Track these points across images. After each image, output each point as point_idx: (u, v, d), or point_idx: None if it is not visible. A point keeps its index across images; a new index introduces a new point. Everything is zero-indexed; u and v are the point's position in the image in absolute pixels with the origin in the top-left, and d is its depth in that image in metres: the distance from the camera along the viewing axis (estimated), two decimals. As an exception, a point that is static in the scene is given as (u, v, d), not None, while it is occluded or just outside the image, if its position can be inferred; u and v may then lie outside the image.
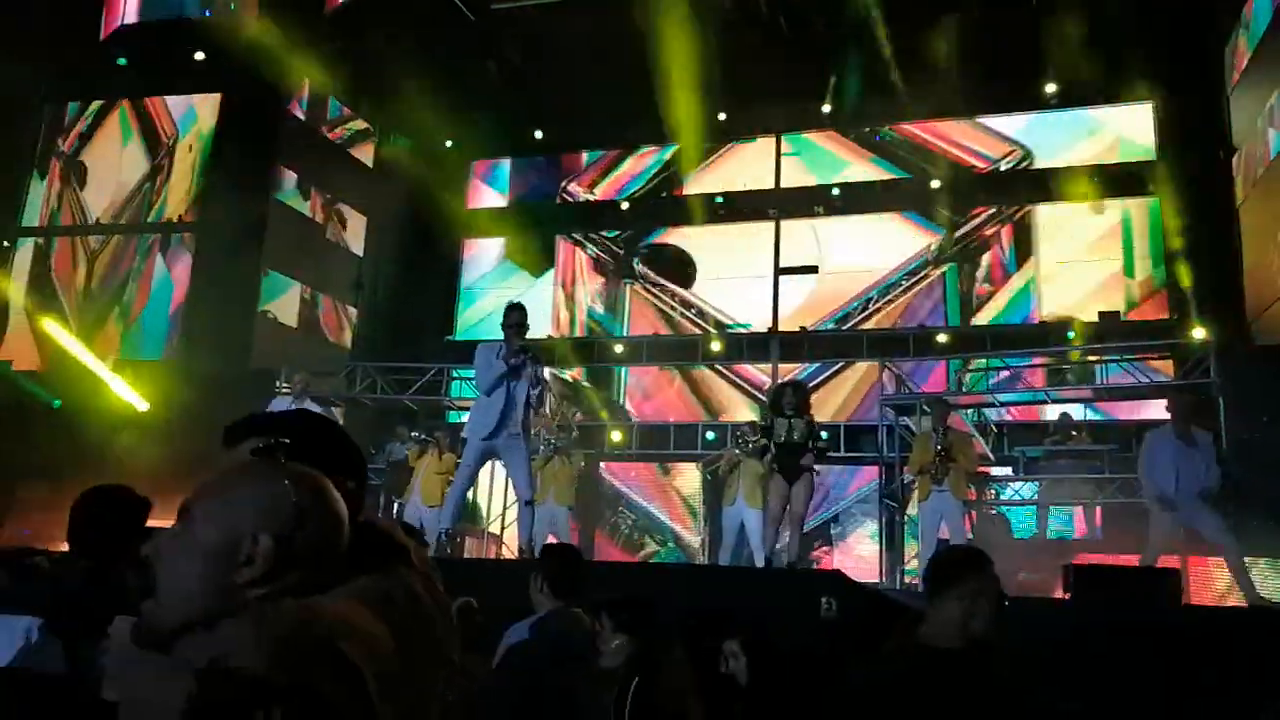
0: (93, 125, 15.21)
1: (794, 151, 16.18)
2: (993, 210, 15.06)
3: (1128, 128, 14.71)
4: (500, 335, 6.67)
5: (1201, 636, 5.17)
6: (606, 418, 14.55)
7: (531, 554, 6.67)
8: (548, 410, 11.14)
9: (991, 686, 2.35)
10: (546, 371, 15.15)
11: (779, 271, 15.58)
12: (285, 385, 10.91)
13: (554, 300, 16.74)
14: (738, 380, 15.45)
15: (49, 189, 15.17)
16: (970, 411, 11.46)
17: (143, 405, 12.16)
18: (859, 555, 12.60)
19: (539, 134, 16.82)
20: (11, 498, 11.30)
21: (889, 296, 15.14)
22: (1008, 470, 11.38)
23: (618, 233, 16.82)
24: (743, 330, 15.59)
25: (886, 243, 15.37)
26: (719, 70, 14.30)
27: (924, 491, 8.13)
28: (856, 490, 13.07)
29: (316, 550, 1.26)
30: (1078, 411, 11.67)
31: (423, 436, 10.62)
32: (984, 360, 11.62)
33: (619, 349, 15.86)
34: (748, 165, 16.40)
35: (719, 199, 16.34)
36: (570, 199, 17.30)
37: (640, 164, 16.95)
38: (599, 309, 16.60)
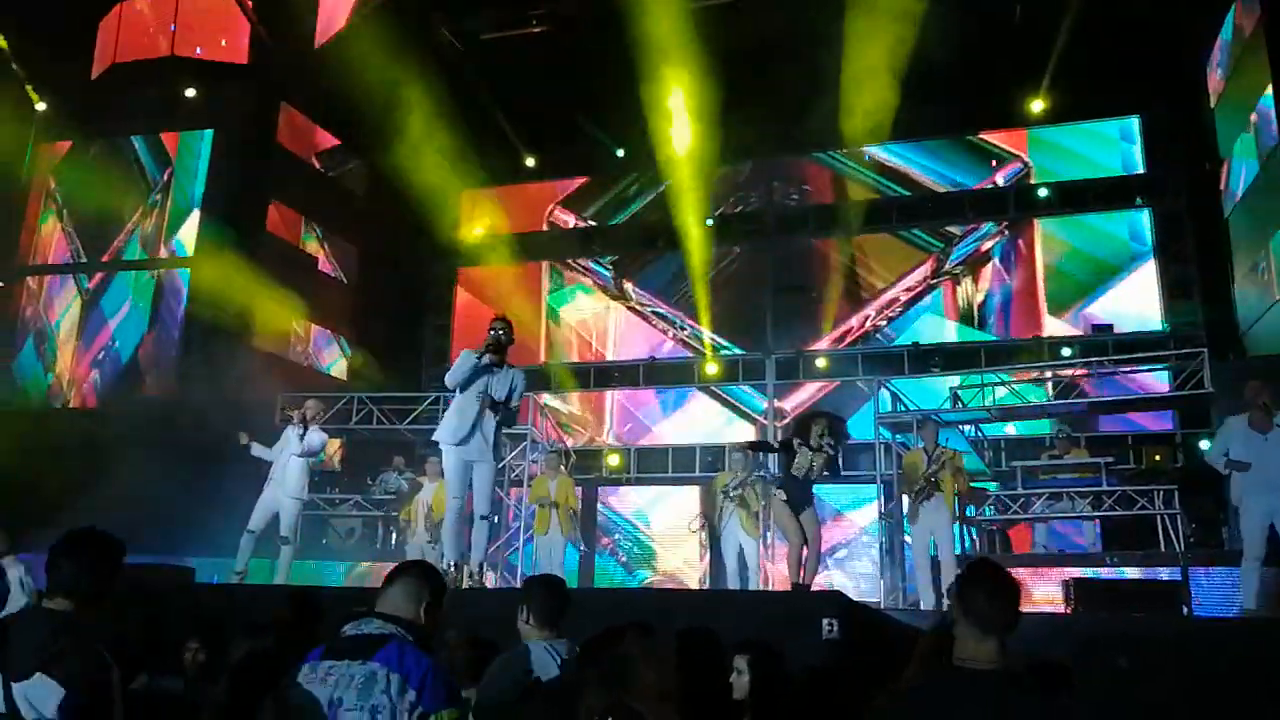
0: (86, 163, 15.24)
1: (788, 171, 16.33)
2: (987, 226, 15.15)
3: (1117, 141, 14.83)
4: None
5: (1207, 647, 5.16)
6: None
7: (482, 577, 6.59)
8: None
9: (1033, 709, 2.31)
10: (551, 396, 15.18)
11: (774, 291, 15.64)
12: (288, 416, 10.88)
13: (548, 325, 16.80)
14: (734, 401, 15.51)
15: (44, 227, 15.20)
16: (969, 427, 11.46)
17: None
18: (859, 573, 12.56)
19: (530, 162, 16.89)
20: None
21: (885, 314, 15.21)
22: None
23: (611, 257, 16.89)
24: (738, 352, 15.64)
25: (881, 262, 15.45)
26: (709, 95, 14.41)
27: (914, 512, 8.14)
28: (860, 525, 12.91)
29: None
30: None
31: (412, 477, 10.63)
32: (979, 376, 11.62)
33: (613, 373, 15.89)
34: (737, 187, 16.52)
35: (709, 221, 16.43)
36: (563, 225, 17.37)
37: (632, 188, 17.05)
38: (594, 332, 16.64)
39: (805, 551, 7.09)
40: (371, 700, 2.36)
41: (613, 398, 16.03)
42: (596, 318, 16.69)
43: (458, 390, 6.45)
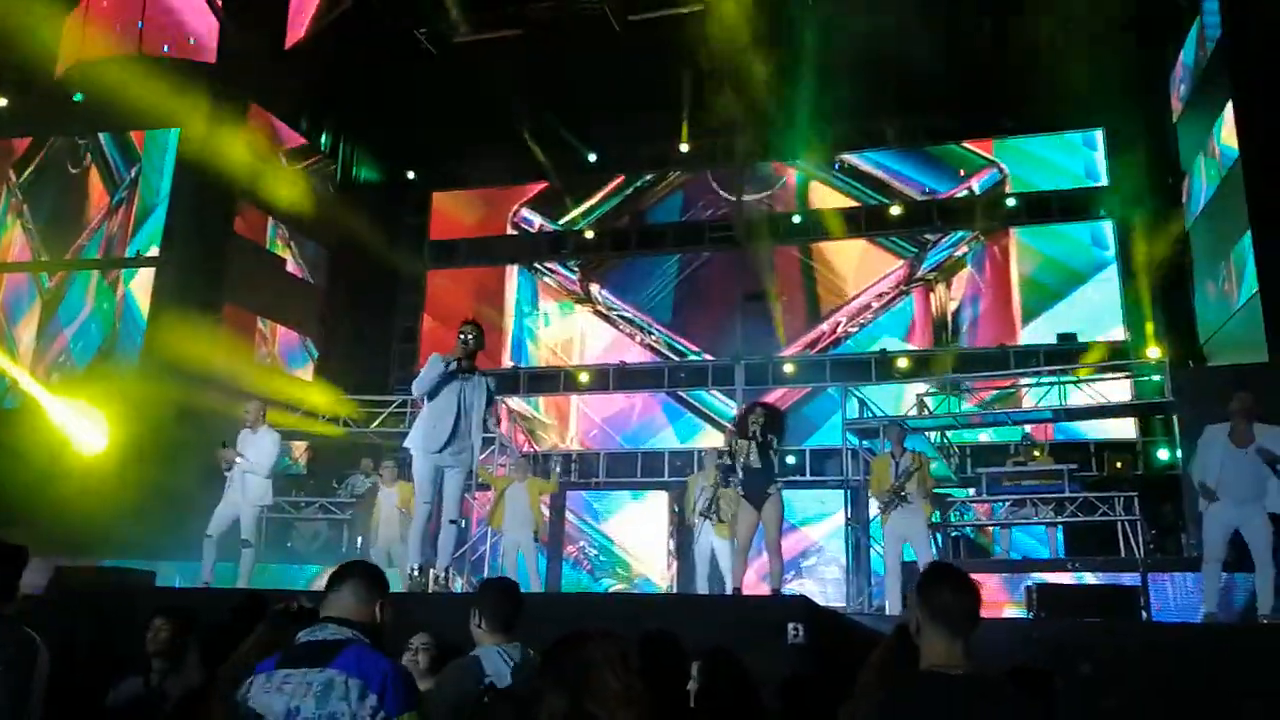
0: (49, 161, 15.01)
1: (760, 178, 16.38)
2: (953, 235, 15.28)
3: (1080, 146, 15.03)
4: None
5: (1166, 653, 5.22)
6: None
7: (449, 581, 6.55)
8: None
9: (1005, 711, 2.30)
10: (517, 401, 15.14)
11: (744, 298, 15.67)
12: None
13: (517, 329, 16.74)
14: (701, 407, 15.53)
15: (5, 226, 14.93)
16: (935, 434, 11.55)
17: (100, 445, 11.93)
18: (827, 579, 12.61)
19: (501, 164, 16.84)
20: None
21: (857, 321, 15.30)
22: (970, 491, 11.46)
23: (578, 261, 16.87)
24: (707, 357, 15.66)
25: (854, 268, 15.54)
26: (683, 100, 14.47)
27: (885, 518, 8.17)
28: (828, 532, 12.94)
29: None
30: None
31: (376, 481, 10.50)
32: (945, 383, 11.73)
33: (583, 377, 15.86)
34: (712, 193, 16.55)
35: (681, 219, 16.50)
36: (530, 228, 17.33)
37: (602, 192, 17.05)
38: (560, 337, 16.61)
39: (767, 558, 7.04)
40: (330, 707, 2.32)
41: (576, 403, 15.98)
42: (566, 338, 16.64)
43: (425, 398, 6.40)
